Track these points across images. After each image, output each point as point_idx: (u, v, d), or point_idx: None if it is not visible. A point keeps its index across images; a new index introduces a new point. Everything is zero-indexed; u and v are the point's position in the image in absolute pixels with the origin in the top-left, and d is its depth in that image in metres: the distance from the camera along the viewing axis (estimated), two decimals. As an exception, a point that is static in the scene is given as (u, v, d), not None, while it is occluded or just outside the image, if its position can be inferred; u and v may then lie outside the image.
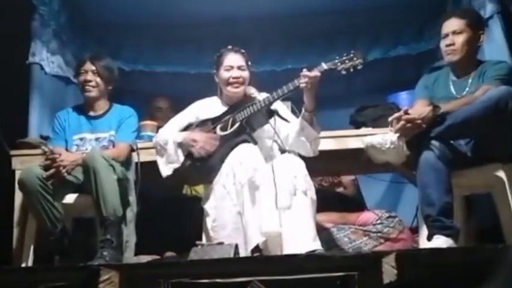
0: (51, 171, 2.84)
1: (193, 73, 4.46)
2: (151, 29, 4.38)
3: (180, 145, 2.97)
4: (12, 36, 3.57)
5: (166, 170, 2.97)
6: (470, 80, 2.86)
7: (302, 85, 2.78)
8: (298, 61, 4.36)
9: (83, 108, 3.25)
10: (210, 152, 2.90)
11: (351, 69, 2.81)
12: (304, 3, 4.11)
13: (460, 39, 2.85)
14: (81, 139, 3.15)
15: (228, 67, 3.02)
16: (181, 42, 4.46)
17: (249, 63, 3.07)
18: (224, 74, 3.02)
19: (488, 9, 3.51)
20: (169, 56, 4.48)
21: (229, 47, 3.08)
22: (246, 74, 3.04)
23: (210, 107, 3.12)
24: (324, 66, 2.81)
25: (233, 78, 3.01)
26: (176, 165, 2.96)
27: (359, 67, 2.81)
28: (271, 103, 2.90)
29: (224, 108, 3.07)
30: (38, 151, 3.23)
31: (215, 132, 3.00)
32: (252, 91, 3.01)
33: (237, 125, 2.94)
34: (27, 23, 3.71)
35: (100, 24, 4.32)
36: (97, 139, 3.14)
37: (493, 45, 3.45)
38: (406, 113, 2.65)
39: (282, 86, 2.95)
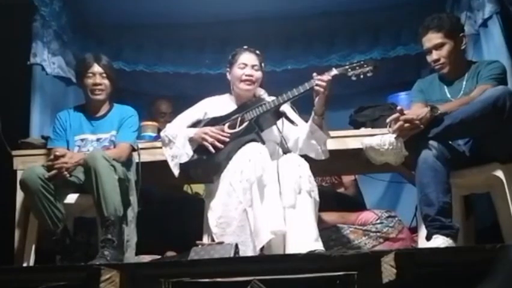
0: (54, 171, 2.83)
1: (194, 73, 4.45)
2: (151, 29, 4.39)
3: (190, 140, 2.96)
4: (14, 37, 3.57)
5: (173, 164, 2.96)
6: (464, 82, 2.85)
7: (316, 88, 2.80)
8: (298, 62, 4.37)
9: (84, 109, 3.24)
10: (220, 147, 2.88)
11: (361, 76, 2.83)
12: (303, 4, 4.10)
13: (443, 53, 2.84)
14: (82, 140, 3.14)
15: (242, 65, 3.04)
16: (181, 42, 4.46)
17: (263, 64, 3.09)
18: (237, 72, 3.04)
19: (487, 10, 3.50)
20: (169, 56, 4.46)
21: (245, 47, 3.10)
22: (259, 74, 3.05)
23: (219, 104, 3.12)
24: (335, 71, 2.84)
25: (246, 75, 3.02)
26: (183, 160, 2.94)
27: (369, 74, 2.83)
28: (280, 104, 2.90)
29: (233, 107, 3.06)
30: (40, 151, 3.25)
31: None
32: (261, 92, 3.02)
33: (245, 124, 2.93)
34: (28, 24, 3.71)
35: (101, 25, 4.32)
36: (98, 140, 3.14)
37: (492, 45, 3.45)
38: (402, 112, 2.64)
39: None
